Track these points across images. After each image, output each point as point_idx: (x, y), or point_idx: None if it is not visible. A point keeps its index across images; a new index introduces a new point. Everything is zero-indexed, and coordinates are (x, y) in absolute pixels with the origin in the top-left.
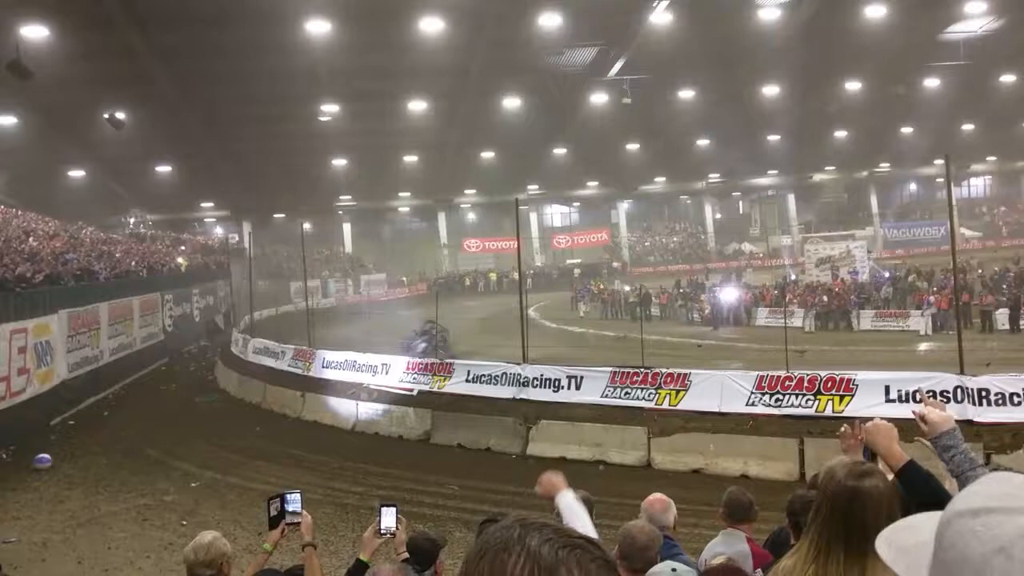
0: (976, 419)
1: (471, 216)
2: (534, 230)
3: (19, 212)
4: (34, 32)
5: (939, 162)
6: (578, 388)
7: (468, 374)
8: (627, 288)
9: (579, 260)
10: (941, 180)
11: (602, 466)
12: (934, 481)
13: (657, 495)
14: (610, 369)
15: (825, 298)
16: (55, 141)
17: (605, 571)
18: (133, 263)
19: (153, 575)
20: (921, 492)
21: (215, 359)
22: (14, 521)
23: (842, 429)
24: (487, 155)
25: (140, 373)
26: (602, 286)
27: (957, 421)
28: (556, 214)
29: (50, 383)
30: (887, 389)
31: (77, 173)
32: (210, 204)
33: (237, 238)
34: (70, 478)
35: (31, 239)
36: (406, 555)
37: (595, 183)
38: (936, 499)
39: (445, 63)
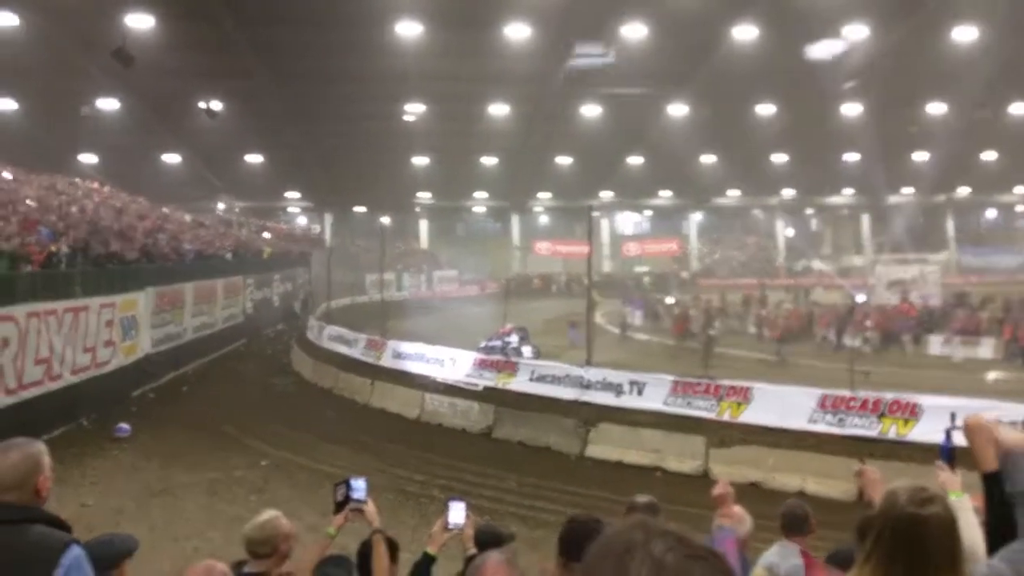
0: None
1: (543, 219)
2: (605, 236)
3: (114, 191)
4: (140, 21)
5: (1020, 189)
6: (640, 394)
7: (532, 373)
8: (691, 312)
9: (647, 268)
10: (1021, 208)
11: (659, 472)
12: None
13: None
14: (672, 378)
15: (870, 323)
16: (152, 126)
17: None
18: (219, 246)
19: (222, 546)
20: (999, 504)
21: (291, 343)
22: (92, 486)
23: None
24: (563, 160)
25: (219, 352)
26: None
27: None
28: (627, 222)
29: (134, 356)
30: (953, 416)
31: (171, 158)
32: (295, 194)
33: (319, 228)
34: (147, 448)
35: (123, 217)
36: (474, 550)
37: (668, 193)
38: (1010, 521)
39: (528, 69)
